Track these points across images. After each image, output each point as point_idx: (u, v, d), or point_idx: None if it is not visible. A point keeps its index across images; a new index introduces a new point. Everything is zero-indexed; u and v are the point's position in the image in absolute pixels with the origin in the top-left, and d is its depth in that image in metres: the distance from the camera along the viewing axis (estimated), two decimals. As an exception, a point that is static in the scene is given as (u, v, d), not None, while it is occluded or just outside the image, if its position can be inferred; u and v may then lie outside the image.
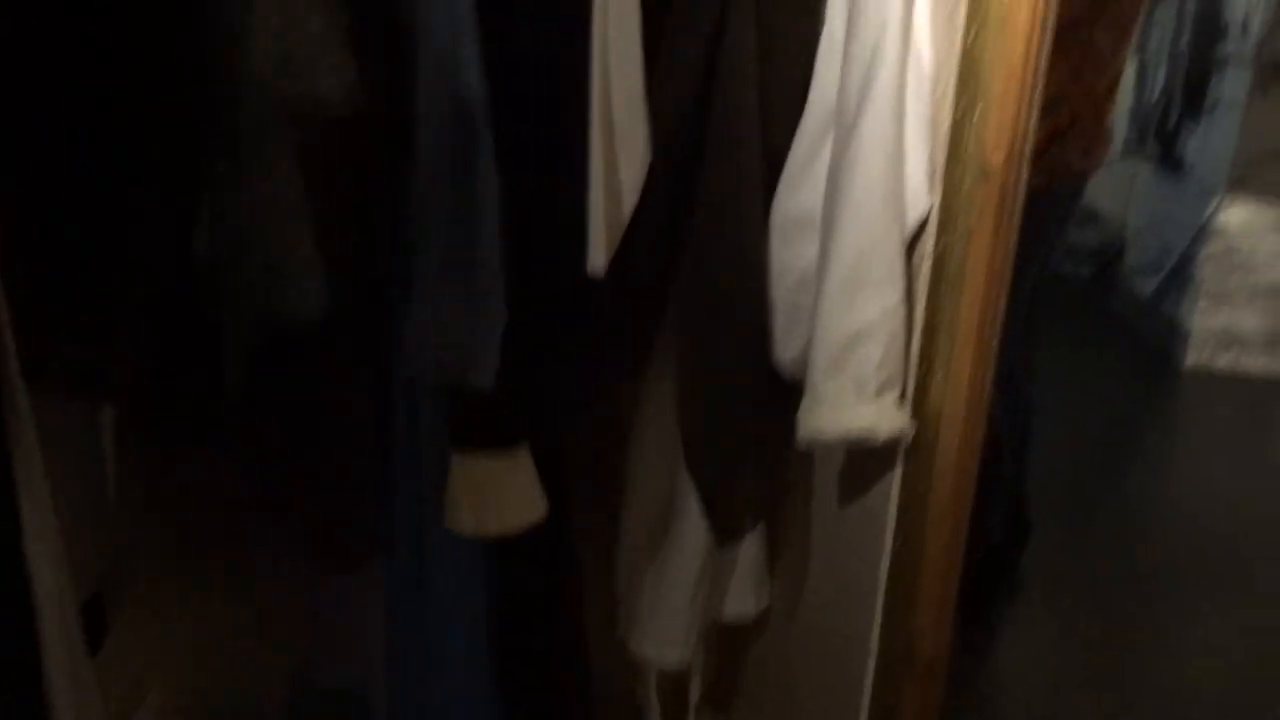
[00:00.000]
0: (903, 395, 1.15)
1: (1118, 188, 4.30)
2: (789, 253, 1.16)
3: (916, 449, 1.17)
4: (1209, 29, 3.70)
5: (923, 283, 1.13)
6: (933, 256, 1.11)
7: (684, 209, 1.12)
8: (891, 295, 1.09)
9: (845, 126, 1.08)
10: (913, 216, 1.11)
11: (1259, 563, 2.58)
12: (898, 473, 1.19)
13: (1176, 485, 3.04)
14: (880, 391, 1.10)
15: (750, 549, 1.43)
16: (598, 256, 0.99)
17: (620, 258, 1.08)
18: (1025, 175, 1.08)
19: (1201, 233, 3.70)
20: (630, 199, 1.03)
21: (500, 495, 1.08)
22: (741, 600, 1.46)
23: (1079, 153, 1.91)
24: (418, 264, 0.95)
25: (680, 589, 1.39)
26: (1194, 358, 3.74)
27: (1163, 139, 3.97)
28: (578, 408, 1.15)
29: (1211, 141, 3.69)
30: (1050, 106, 1.81)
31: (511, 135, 0.94)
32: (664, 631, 1.42)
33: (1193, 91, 3.78)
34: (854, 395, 1.10)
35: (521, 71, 0.97)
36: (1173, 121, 3.89)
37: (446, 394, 1.04)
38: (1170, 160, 3.94)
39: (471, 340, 0.95)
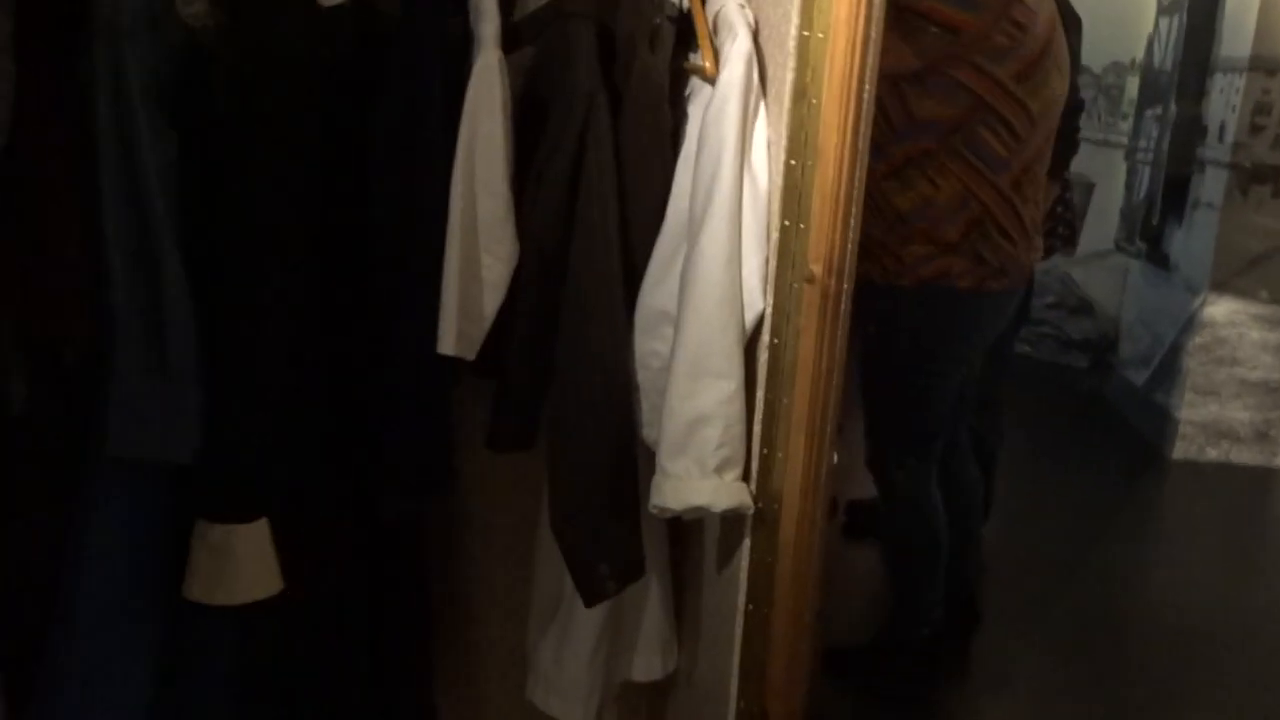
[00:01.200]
0: (746, 473, 1.29)
1: (1111, 281, 4.41)
2: (651, 343, 1.32)
3: (762, 522, 1.30)
4: (1189, 134, 3.83)
5: (762, 373, 1.28)
6: (769, 350, 1.26)
7: (554, 304, 1.29)
8: (729, 384, 1.24)
9: (692, 234, 1.25)
10: (751, 314, 1.26)
11: (1238, 662, 2.54)
12: (747, 543, 1.33)
13: (1157, 578, 3.06)
14: (719, 470, 1.24)
15: (654, 612, 1.55)
16: (446, 341, 1.17)
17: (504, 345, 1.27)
18: (847, 284, 1.23)
19: (1188, 327, 3.77)
20: (493, 296, 1.20)
21: (233, 567, 1.19)
22: (649, 661, 1.58)
23: (1004, 249, 2.01)
24: (115, 346, 1.07)
25: (581, 649, 1.52)
26: (1183, 449, 3.78)
27: (1149, 237, 4.07)
28: (430, 483, 1.30)
29: (1195, 240, 3.79)
30: (960, 202, 1.97)
31: (378, 236, 1.13)
32: (568, 690, 1.54)
33: (1175, 192, 3.90)
34: (696, 473, 1.24)
35: (387, 183, 1.17)
36: (1157, 220, 4.00)
37: (191, 465, 1.14)
38: (1157, 257, 4.04)
39: (165, 417, 1.09)
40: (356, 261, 1.25)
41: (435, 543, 1.52)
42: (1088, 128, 3.55)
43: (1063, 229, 2.87)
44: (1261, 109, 3.56)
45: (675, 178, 1.31)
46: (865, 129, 1.19)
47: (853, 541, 2.85)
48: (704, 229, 1.23)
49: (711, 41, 1.29)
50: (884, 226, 2.01)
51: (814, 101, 1.17)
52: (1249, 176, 3.61)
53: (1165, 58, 4.10)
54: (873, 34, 1.15)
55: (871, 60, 1.16)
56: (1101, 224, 4.41)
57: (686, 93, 1.35)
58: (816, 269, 1.21)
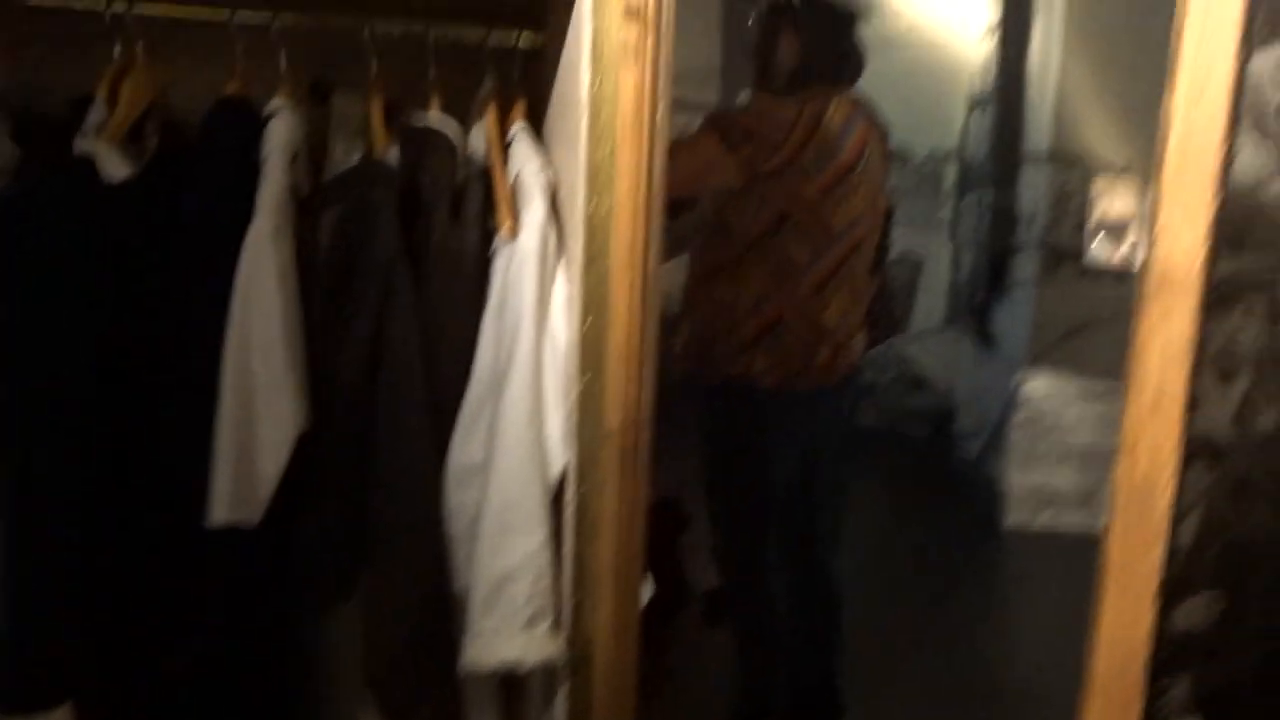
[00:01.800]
0: (557, 623, 1.31)
1: (943, 356, 4.66)
2: (461, 496, 1.33)
3: (578, 668, 1.33)
4: (1004, 219, 4.12)
5: (570, 524, 1.31)
6: (575, 502, 1.30)
7: (364, 462, 1.30)
8: (535, 539, 1.27)
9: (496, 392, 1.28)
10: (555, 470, 1.30)
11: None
12: (566, 688, 1.34)
13: (998, 645, 3.20)
14: (529, 625, 1.27)
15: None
16: (219, 510, 1.16)
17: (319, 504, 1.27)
18: (645, 434, 1.28)
19: (1012, 400, 4.01)
20: (272, 458, 1.21)
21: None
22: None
23: (800, 352, 2.12)
24: None
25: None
26: (1014, 517, 4.00)
27: (974, 314, 4.34)
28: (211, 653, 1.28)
29: (1014, 317, 4.06)
30: (756, 305, 2.07)
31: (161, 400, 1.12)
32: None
33: (995, 272, 4.17)
34: (506, 629, 1.26)
35: (155, 353, 1.16)
36: (980, 298, 4.27)
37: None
38: (982, 333, 4.30)
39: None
40: (145, 427, 1.24)
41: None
42: (913, 210, 3.78)
43: (885, 319, 3.03)
44: (1063, 198, 3.86)
45: (481, 333, 1.34)
46: (653, 289, 1.25)
47: (710, 629, 2.89)
48: (506, 387, 1.27)
49: (512, 203, 1.34)
50: (700, 326, 2.11)
51: (604, 267, 1.22)
52: (1057, 258, 3.89)
53: (978, 148, 4.40)
54: (655, 206, 1.22)
55: (655, 226, 1.23)
56: (931, 301, 4.66)
57: (492, 248, 1.39)
58: (614, 422, 1.25)
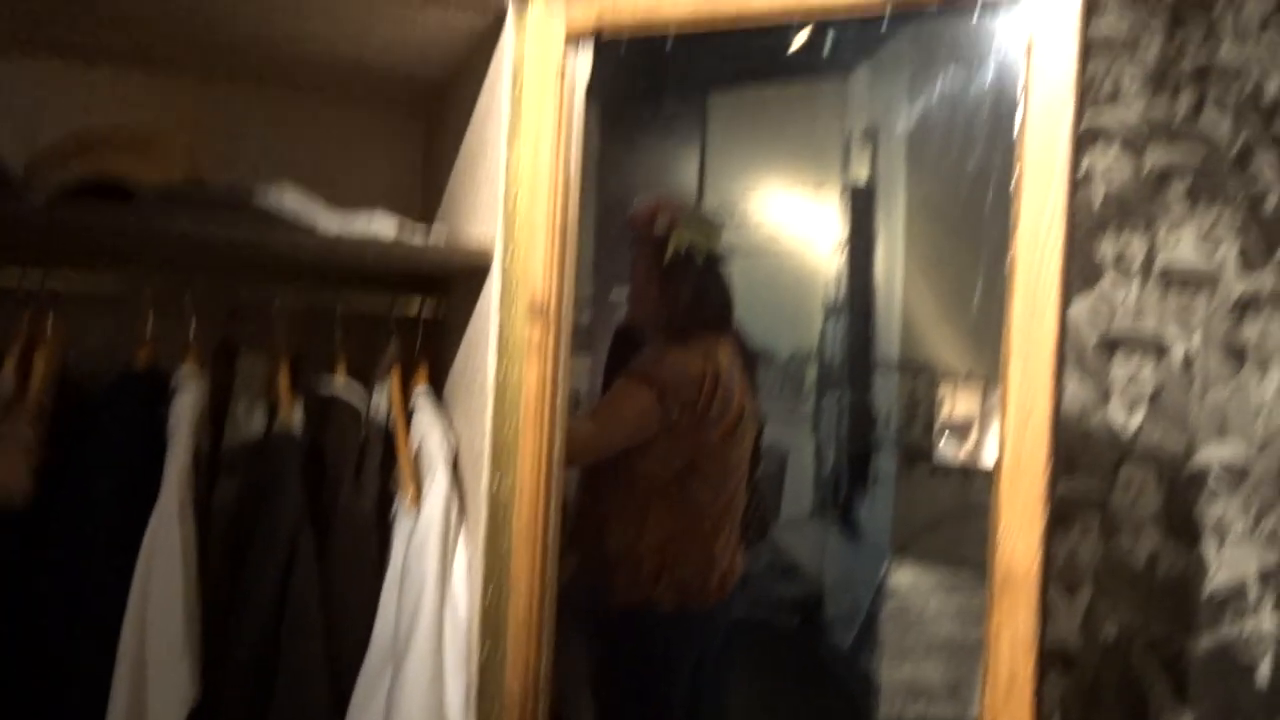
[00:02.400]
0: None
1: (812, 546, 4.82)
2: (358, 768, 1.33)
3: None
4: (861, 418, 4.40)
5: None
6: (475, 772, 1.32)
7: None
8: (435, 811, 1.27)
9: (397, 659, 1.31)
10: (454, 739, 1.32)
11: None
12: None
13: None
14: None
15: None
16: None
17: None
18: (545, 705, 1.33)
19: (879, 592, 4.17)
20: None
21: None
22: None
23: (696, 581, 2.22)
24: None
25: None
26: (886, 709, 4.08)
27: (838, 506, 4.55)
28: None
29: (876, 511, 4.27)
30: (661, 545, 2.16)
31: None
32: None
33: (856, 467, 4.42)
34: None
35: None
36: (843, 493, 4.49)
37: None
38: (848, 525, 4.50)
39: None
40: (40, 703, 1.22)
41: None
42: (779, 406, 4.02)
43: (759, 518, 3.18)
44: (913, 401, 4.16)
45: (383, 600, 1.37)
46: (553, 562, 1.32)
47: None
48: (407, 655, 1.30)
49: (415, 471, 1.41)
50: (594, 560, 2.18)
51: (506, 540, 1.29)
52: (911, 455, 4.16)
53: (835, 353, 4.73)
54: (554, 485, 1.31)
55: (553, 503, 1.31)
56: (798, 491, 4.86)
57: (393, 512, 1.44)
58: (515, 691, 1.29)
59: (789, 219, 4.92)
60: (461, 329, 1.50)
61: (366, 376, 1.54)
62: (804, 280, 4.97)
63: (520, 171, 1.29)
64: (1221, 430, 2.64)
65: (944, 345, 4.13)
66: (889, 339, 4.20)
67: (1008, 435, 1.06)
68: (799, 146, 4.70)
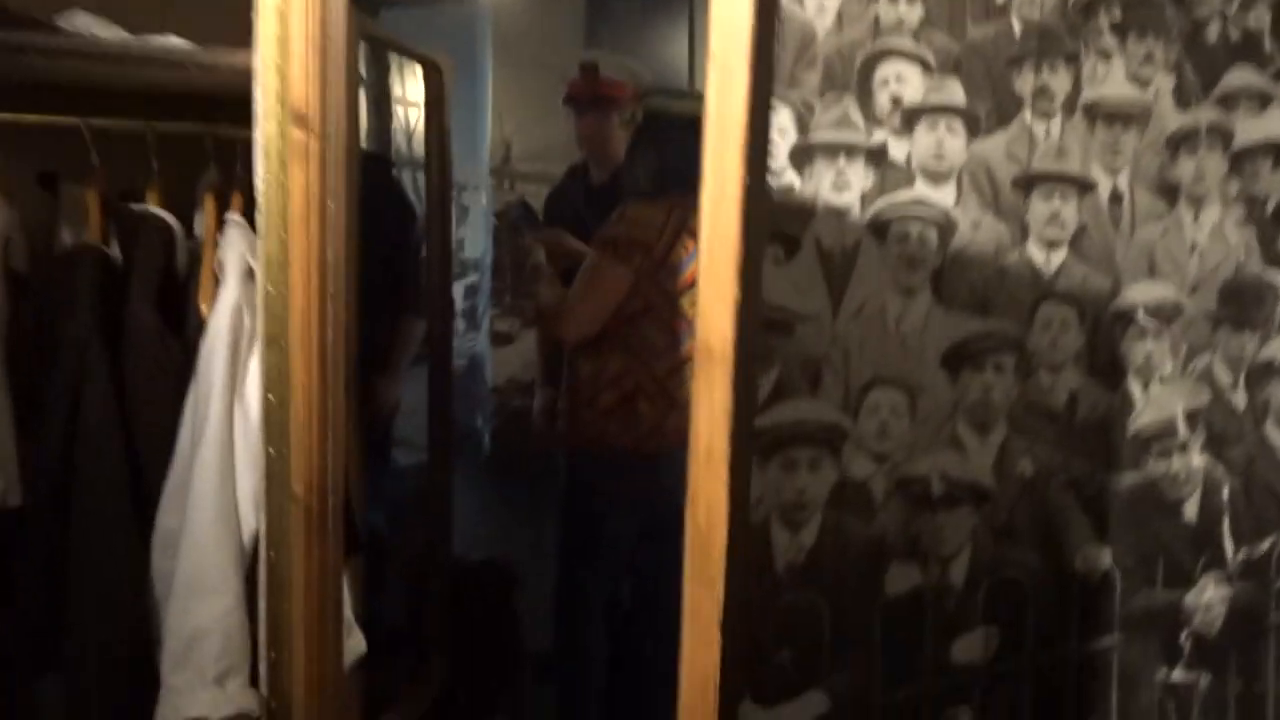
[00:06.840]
0: (255, 678, 1.40)
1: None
2: (165, 562, 1.42)
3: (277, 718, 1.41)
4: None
5: (263, 584, 1.40)
6: (266, 563, 1.39)
7: (61, 535, 1.38)
8: (226, 599, 1.36)
9: (189, 461, 1.38)
10: (247, 533, 1.40)
11: None
12: (268, 740, 1.43)
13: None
14: (220, 680, 1.35)
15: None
16: None
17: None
18: (333, 503, 1.39)
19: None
20: None
21: None
22: None
23: (651, 419, 2.29)
24: None
25: None
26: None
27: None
28: None
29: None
30: (617, 379, 2.27)
31: None
32: None
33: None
34: (197, 684, 1.35)
35: None
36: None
37: None
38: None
39: None
40: None
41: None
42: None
43: None
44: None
45: (185, 406, 1.44)
46: (334, 369, 1.36)
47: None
48: (197, 456, 1.37)
49: (213, 285, 1.46)
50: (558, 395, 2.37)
51: (281, 348, 1.34)
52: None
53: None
54: (331, 291, 1.34)
55: (331, 310, 1.35)
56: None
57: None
58: (299, 490, 1.36)
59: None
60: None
61: (190, 205, 1.58)
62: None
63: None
64: (1151, 270, 2.59)
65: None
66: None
67: (705, 214, 1.06)
68: None
